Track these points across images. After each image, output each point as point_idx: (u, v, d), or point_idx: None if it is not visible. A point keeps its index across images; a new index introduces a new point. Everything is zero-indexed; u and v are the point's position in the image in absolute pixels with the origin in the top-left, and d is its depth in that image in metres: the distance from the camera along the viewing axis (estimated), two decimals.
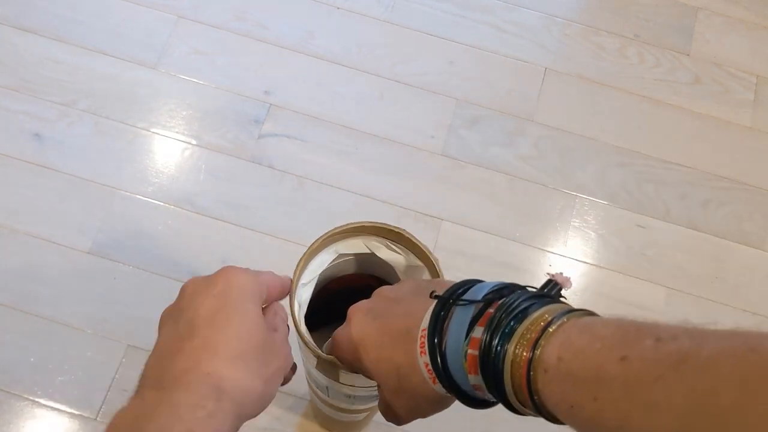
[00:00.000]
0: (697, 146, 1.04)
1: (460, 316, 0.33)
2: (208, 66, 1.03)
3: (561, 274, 0.34)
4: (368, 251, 0.47)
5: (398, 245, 0.47)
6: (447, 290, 0.34)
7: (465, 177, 0.99)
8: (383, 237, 0.47)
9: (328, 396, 0.55)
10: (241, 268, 0.38)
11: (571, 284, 0.34)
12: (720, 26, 1.13)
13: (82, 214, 0.92)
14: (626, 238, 0.97)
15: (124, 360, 0.85)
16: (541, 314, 0.30)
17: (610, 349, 0.27)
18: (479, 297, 0.33)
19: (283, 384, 0.40)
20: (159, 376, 0.33)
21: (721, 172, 1.03)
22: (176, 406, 0.31)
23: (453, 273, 0.94)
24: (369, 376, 0.39)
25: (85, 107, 0.99)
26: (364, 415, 0.65)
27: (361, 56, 1.06)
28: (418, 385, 0.36)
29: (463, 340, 0.32)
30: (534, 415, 0.31)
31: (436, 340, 0.33)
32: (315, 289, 0.47)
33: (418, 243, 0.46)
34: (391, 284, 0.49)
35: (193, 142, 0.98)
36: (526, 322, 0.30)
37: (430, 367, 0.34)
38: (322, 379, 0.48)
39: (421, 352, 0.34)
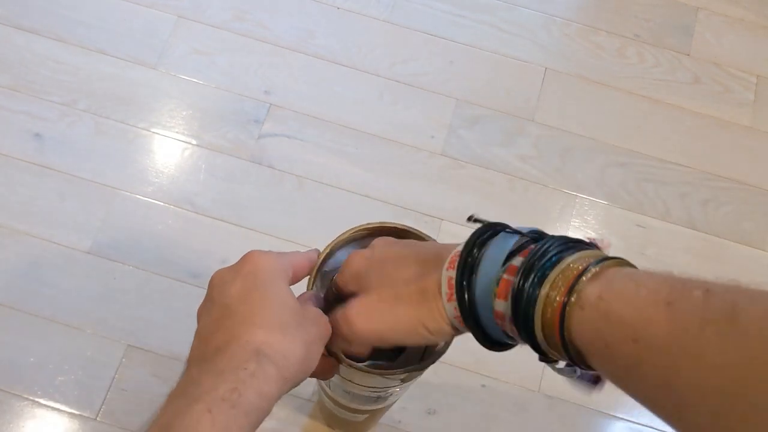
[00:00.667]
0: (697, 146, 1.04)
1: (502, 243, 0.33)
2: (208, 66, 1.03)
3: (602, 239, 0.34)
4: None
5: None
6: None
7: (465, 177, 0.99)
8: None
9: (330, 389, 0.55)
10: (264, 250, 0.39)
11: (609, 249, 0.34)
12: (720, 26, 1.13)
13: (82, 214, 0.92)
14: (626, 238, 0.97)
15: (124, 360, 0.85)
16: (583, 255, 0.30)
17: (656, 294, 0.26)
18: (523, 231, 0.33)
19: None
20: (201, 354, 0.34)
21: (721, 172, 1.03)
22: (219, 371, 0.31)
23: None
24: (364, 292, 0.39)
25: (85, 107, 0.99)
26: (363, 417, 0.65)
27: (361, 56, 1.06)
28: (429, 303, 0.35)
29: (501, 265, 0.32)
30: (558, 358, 0.30)
31: (469, 259, 0.33)
32: (330, 288, 0.47)
33: (422, 235, 0.46)
34: None
35: (193, 142, 0.98)
36: (568, 259, 0.30)
37: (453, 280, 0.34)
38: None
39: (449, 266, 0.34)
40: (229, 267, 0.38)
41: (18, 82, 0.99)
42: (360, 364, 0.41)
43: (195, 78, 1.02)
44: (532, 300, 0.30)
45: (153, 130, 0.98)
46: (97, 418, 0.82)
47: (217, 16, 1.07)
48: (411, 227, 0.45)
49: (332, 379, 0.47)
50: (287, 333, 0.34)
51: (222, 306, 0.36)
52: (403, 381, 0.44)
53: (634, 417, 0.87)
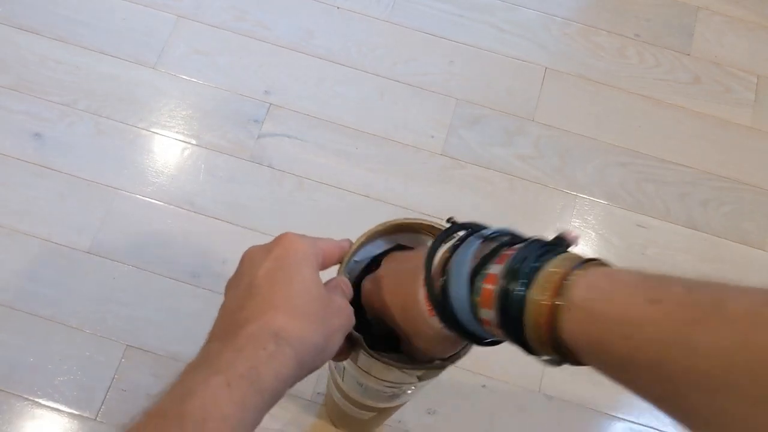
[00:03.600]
0: (697, 146, 1.04)
1: (465, 249, 0.34)
2: (208, 66, 1.03)
3: (570, 231, 0.34)
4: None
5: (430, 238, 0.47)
6: (452, 225, 0.37)
7: (465, 177, 0.99)
8: (410, 232, 0.47)
9: (343, 380, 0.55)
10: (298, 234, 0.40)
11: (578, 242, 0.34)
12: (720, 26, 1.13)
13: (82, 214, 0.92)
14: (626, 237, 0.97)
15: (123, 360, 0.85)
16: (561, 260, 0.31)
17: (636, 291, 0.27)
18: (486, 233, 0.34)
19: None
20: (223, 330, 0.35)
21: (721, 172, 1.03)
22: (239, 349, 0.32)
23: None
24: (386, 318, 0.41)
25: (85, 107, 0.99)
26: (370, 415, 0.65)
27: (361, 56, 1.06)
28: (416, 319, 0.37)
29: (468, 274, 0.33)
30: (550, 357, 0.31)
31: (433, 275, 0.35)
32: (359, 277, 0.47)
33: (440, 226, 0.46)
34: None
35: (193, 142, 0.98)
36: (551, 263, 0.31)
37: (427, 298, 0.35)
38: None
39: (422, 283, 0.36)
40: (262, 246, 0.39)
41: (18, 82, 0.99)
42: (381, 355, 0.41)
43: (195, 78, 1.02)
44: (521, 306, 0.31)
45: (153, 130, 0.98)
46: (97, 418, 0.82)
47: (217, 16, 1.07)
48: (438, 224, 0.45)
49: (348, 370, 0.47)
50: (308, 320, 0.35)
51: (248, 285, 0.36)
52: (420, 379, 0.44)
53: (634, 417, 0.87)
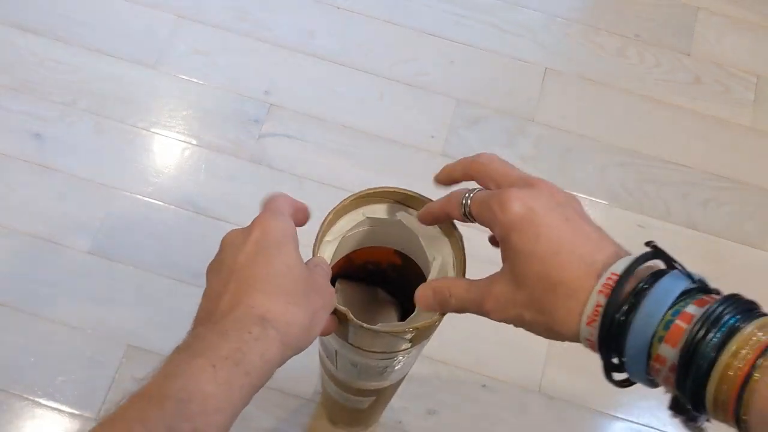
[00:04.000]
0: (697, 146, 1.04)
1: (671, 283, 0.32)
2: (208, 66, 1.03)
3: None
4: (395, 218, 0.47)
5: (396, 203, 0.47)
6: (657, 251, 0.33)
7: None
8: (410, 206, 0.47)
9: (336, 368, 0.55)
10: (275, 213, 0.40)
11: None
12: (720, 26, 1.13)
13: (82, 214, 0.92)
14: (626, 237, 0.97)
15: (124, 360, 0.85)
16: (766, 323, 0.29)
17: None
18: (693, 276, 0.32)
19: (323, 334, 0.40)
20: (207, 315, 0.35)
21: (721, 172, 1.03)
22: (224, 332, 0.32)
23: None
24: (502, 239, 0.36)
25: (85, 107, 0.99)
26: (369, 401, 0.64)
27: (361, 56, 1.06)
28: (555, 306, 0.34)
29: (668, 307, 0.31)
30: (708, 418, 0.30)
31: (628, 291, 0.32)
32: (337, 257, 0.47)
33: (410, 193, 0.46)
34: (414, 260, 0.49)
35: (193, 142, 0.98)
36: (753, 324, 0.29)
37: (601, 308, 0.32)
38: (333, 342, 0.47)
39: (601, 289, 0.32)
40: (240, 229, 0.39)
41: (18, 82, 0.99)
42: (369, 325, 0.41)
43: (195, 78, 1.02)
44: (711, 358, 0.29)
45: (153, 130, 0.98)
46: (98, 418, 0.82)
47: (217, 16, 1.07)
48: (417, 193, 0.45)
49: (341, 352, 0.47)
50: (291, 301, 0.35)
51: (230, 269, 0.37)
52: (411, 342, 0.44)
53: (634, 417, 0.87)
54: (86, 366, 0.84)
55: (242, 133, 0.99)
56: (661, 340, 0.31)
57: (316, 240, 0.44)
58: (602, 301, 0.32)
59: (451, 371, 0.87)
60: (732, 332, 0.29)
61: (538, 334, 0.36)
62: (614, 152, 1.03)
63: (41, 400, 0.82)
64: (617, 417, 0.87)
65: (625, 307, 0.32)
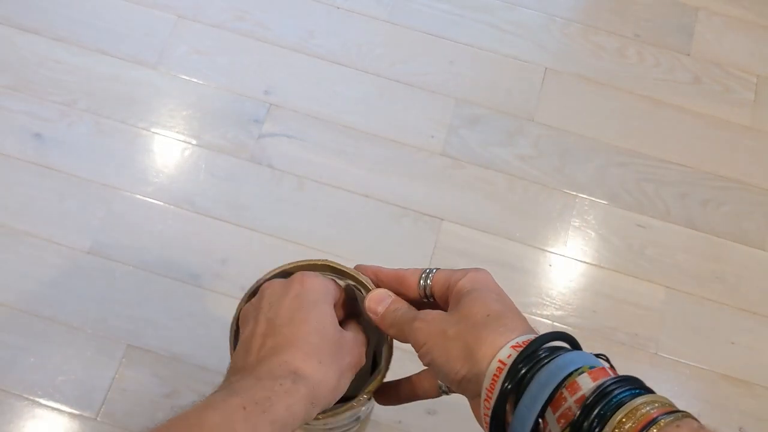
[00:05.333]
0: (697, 146, 1.04)
1: (580, 355, 0.34)
2: (208, 66, 1.03)
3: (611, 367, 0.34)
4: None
5: (330, 275, 0.47)
6: (530, 346, 0.35)
7: (465, 177, 0.99)
8: (343, 278, 0.47)
9: None
10: (314, 273, 0.42)
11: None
12: (720, 26, 1.13)
13: (82, 214, 0.92)
14: (626, 237, 0.97)
15: (124, 360, 0.85)
16: (652, 399, 0.30)
17: None
18: (564, 371, 0.33)
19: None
20: (243, 364, 0.37)
21: (721, 172, 1.03)
22: (258, 378, 0.35)
23: None
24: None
25: (85, 107, 0.99)
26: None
27: (361, 56, 1.06)
28: (483, 333, 0.36)
29: (573, 370, 0.33)
30: None
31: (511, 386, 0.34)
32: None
33: (342, 268, 0.46)
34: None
35: (193, 141, 0.98)
36: (638, 401, 0.30)
37: (491, 401, 0.34)
38: None
39: (489, 389, 0.35)
40: (281, 282, 0.42)
41: (18, 82, 0.99)
42: (336, 405, 0.42)
43: (195, 78, 1.02)
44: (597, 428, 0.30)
45: (153, 130, 0.98)
46: (98, 418, 0.82)
47: (217, 16, 1.07)
48: (330, 261, 0.46)
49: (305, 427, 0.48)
50: (323, 362, 0.37)
51: (268, 321, 0.39)
52: (370, 396, 0.44)
53: None
54: (86, 366, 0.85)
55: (242, 133, 0.99)
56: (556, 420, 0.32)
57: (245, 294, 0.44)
58: (489, 395, 0.35)
59: None
60: (620, 405, 0.30)
61: (444, 363, 0.37)
62: (614, 152, 1.03)
63: (42, 400, 0.82)
64: None
65: (543, 354, 0.34)
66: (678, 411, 0.30)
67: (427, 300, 0.43)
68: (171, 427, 0.32)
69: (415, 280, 0.42)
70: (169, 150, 0.97)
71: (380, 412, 0.85)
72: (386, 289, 0.44)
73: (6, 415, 0.81)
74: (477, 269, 0.41)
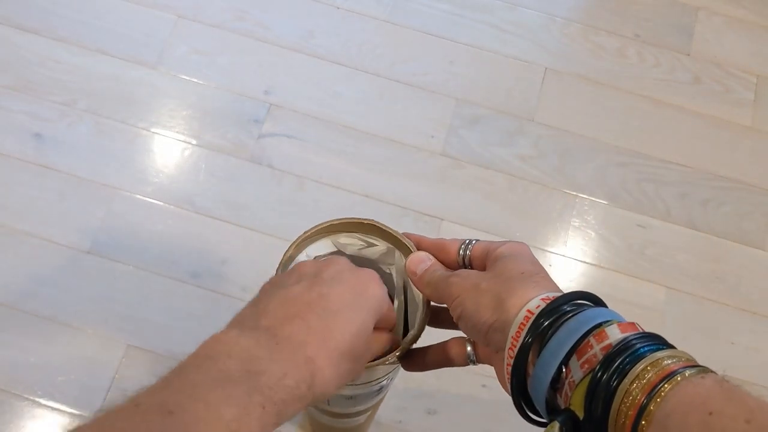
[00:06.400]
0: (697, 146, 1.04)
1: (608, 312, 0.35)
2: (208, 66, 1.03)
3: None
4: (336, 250, 0.48)
5: (371, 237, 0.48)
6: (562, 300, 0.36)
7: (465, 177, 0.99)
8: (353, 232, 0.48)
9: (329, 404, 0.54)
10: (380, 280, 0.41)
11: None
12: (720, 26, 1.13)
13: (82, 214, 0.92)
14: (626, 237, 0.97)
15: (124, 360, 0.85)
16: (668, 354, 0.31)
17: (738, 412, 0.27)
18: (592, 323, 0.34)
19: None
20: (275, 326, 0.36)
21: (721, 172, 1.03)
22: (282, 371, 0.34)
23: None
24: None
25: (85, 107, 0.99)
26: (365, 416, 0.65)
27: (361, 56, 1.06)
28: (492, 336, 0.38)
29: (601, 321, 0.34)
30: None
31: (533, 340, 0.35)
32: None
33: (387, 229, 0.47)
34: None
35: (193, 141, 0.98)
36: (651, 359, 0.31)
37: (512, 359, 0.36)
38: None
39: (512, 343, 0.36)
40: (350, 266, 0.41)
41: (18, 82, 0.99)
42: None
43: (195, 78, 1.02)
44: (607, 401, 0.31)
45: (153, 130, 0.98)
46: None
47: (217, 16, 1.07)
48: (377, 222, 0.46)
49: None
50: (339, 371, 0.36)
51: (320, 295, 0.37)
52: (399, 358, 0.44)
53: None
54: (86, 366, 0.84)
55: (242, 133, 0.99)
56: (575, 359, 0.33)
57: (282, 264, 0.44)
58: (512, 353, 0.36)
59: (451, 371, 0.86)
60: (642, 357, 0.31)
61: (473, 313, 0.38)
62: (614, 152, 1.03)
63: (42, 400, 0.82)
64: None
65: (567, 307, 0.35)
66: (701, 366, 0.31)
67: (465, 267, 0.44)
68: (190, 414, 0.31)
69: (455, 249, 0.44)
70: (169, 150, 0.97)
71: (380, 411, 0.85)
72: (426, 252, 0.45)
73: (6, 415, 0.81)
74: (516, 241, 0.42)
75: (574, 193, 1.00)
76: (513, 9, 1.12)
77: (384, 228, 0.47)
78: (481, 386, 0.86)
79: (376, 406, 0.67)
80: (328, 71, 1.04)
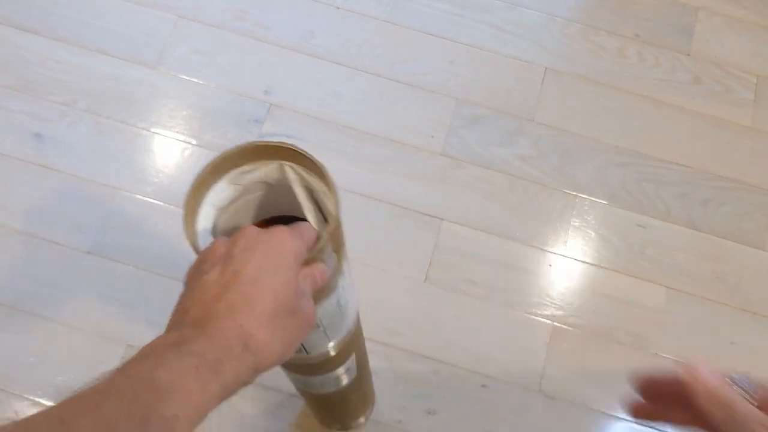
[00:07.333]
0: (697, 146, 1.04)
1: None
2: (208, 66, 1.03)
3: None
4: (281, 177, 0.46)
5: (258, 162, 0.46)
6: None
7: (465, 177, 0.99)
8: (241, 162, 0.46)
9: (306, 351, 0.53)
10: (291, 231, 0.40)
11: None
12: (720, 26, 1.13)
13: (82, 214, 0.92)
14: (626, 237, 0.97)
15: (124, 359, 0.85)
16: None
17: None
18: None
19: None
20: (199, 317, 0.37)
21: (721, 172, 1.03)
22: (211, 338, 0.35)
23: (453, 272, 0.94)
24: None
25: (85, 107, 0.99)
26: (344, 368, 0.61)
27: (361, 56, 1.06)
28: None
29: None
30: None
31: None
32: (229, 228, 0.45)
33: (306, 154, 0.45)
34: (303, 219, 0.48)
35: (193, 141, 0.98)
36: None
37: None
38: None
39: None
40: (257, 233, 0.40)
41: (18, 82, 0.99)
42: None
43: (195, 78, 1.02)
44: None
45: (153, 130, 0.98)
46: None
47: (217, 16, 1.07)
48: (254, 142, 0.45)
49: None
50: (274, 331, 0.37)
51: (234, 273, 0.38)
52: (336, 252, 0.44)
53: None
54: (86, 366, 0.85)
55: (242, 133, 0.99)
56: None
57: (186, 209, 0.43)
58: None
59: (451, 371, 0.87)
60: None
61: None
62: (614, 152, 1.03)
63: (42, 400, 0.82)
64: (617, 417, 0.87)
65: None
66: None
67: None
68: (118, 382, 0.33)
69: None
70: (169, 150, 0.97)
71: (381, 411, 0.85)
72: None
73: (6, 414, 0.81)
74: None
75: (574, 193, 1.00)
76: (513, 9, 1.12)
77: (303, 153, 0.45)
78: (481, 386, 0.86)
79: (363, 374, 0.65)
80: (328, 71, 1.04)
